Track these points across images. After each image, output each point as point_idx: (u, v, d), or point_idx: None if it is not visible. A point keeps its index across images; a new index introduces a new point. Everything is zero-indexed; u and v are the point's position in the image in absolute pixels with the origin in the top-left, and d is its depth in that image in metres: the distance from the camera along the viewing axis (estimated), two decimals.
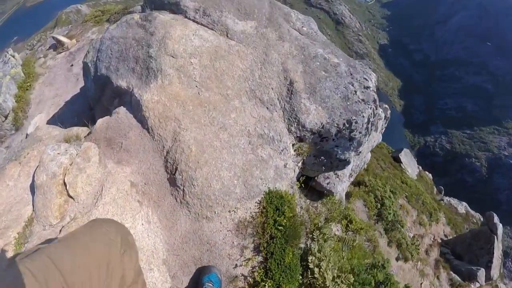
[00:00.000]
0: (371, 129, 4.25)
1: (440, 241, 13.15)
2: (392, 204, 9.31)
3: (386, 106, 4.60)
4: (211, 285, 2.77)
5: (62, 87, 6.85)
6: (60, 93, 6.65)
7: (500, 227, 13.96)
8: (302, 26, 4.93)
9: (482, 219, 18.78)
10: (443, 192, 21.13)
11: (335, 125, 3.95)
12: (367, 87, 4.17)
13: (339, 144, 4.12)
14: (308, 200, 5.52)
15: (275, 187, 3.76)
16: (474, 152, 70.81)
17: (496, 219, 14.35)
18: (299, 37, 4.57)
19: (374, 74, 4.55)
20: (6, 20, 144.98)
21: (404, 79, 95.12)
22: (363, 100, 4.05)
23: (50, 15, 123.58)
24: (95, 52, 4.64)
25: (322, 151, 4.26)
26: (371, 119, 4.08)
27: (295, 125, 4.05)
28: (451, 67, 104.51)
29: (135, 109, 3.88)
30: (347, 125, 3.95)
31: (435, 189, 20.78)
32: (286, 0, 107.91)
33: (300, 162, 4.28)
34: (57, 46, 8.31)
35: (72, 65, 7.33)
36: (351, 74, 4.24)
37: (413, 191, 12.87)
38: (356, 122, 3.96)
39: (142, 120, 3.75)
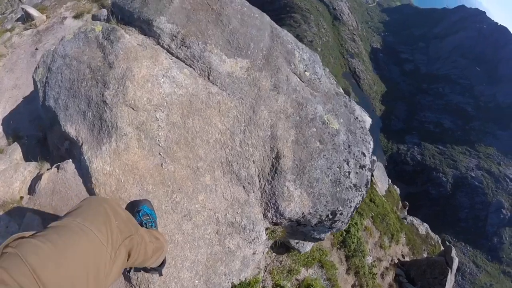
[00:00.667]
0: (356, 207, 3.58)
1: (396, 261, 13.41)
2: (357, 232, 9.21)
3: (375, 158, 3.41)
4: (147, 217, 2.46)
5: (22, 76, 6.07)
6: (19, 84, 5.94)
7: (456, 262, 14.24)
8: (305, 70, 3.98)
9: (439, 242, 19.42)
10: (407, 207, 21.73)
11: (318, 216, 3.28)
12: (363, 166, 3.57)
13: (317, 229, 3.50)
14: (274, 254, 5.08)
15: (240, 279, 3.16)
16: (443, 167, 73.14)
17: (454, 253, 14.60)
18: (298, 88, 3.69)
19: (372, 142, 3.96)
20: None
21: (389, 86, 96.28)
22: (355, 185, 3.44)
23: None
24: (45, 70, 3.64)
25: (297, 231, 3.59)
26: (357, 205, 3.49)
27: (272, 212, 3.29)
28: (439, 83, 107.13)
29: (84, 174, 3.07)
30: (330, 216, 3.32)
31: (400, 203, 21.35)
32: None
33: (271, 243, 3.60)
34: (26, 19, 7.15)
35: (36, 49, 6.46)
36: (349, 147, 3.60)
37: (380, 210, 12.95)
38: (341, 214, 3.34)
39: (91, 193, 2.99)
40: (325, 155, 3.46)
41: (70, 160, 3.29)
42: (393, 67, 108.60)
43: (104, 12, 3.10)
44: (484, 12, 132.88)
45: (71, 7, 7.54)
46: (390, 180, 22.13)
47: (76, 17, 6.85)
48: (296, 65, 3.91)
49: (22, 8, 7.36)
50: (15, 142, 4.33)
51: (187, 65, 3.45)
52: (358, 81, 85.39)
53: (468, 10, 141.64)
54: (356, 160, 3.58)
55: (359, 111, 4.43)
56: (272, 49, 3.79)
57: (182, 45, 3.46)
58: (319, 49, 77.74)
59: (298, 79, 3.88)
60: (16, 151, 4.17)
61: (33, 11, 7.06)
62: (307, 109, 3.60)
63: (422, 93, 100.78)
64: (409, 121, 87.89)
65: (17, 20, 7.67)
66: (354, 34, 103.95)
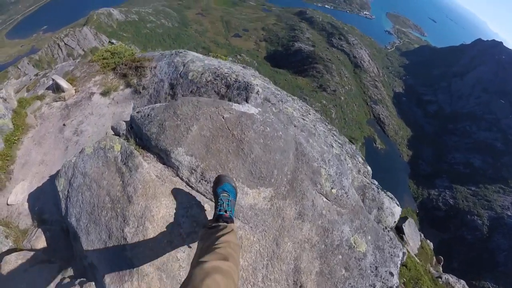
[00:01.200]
0: None
1: None
2: None
3: (405, 251, 3.88)
4: (226, 194, 2.78)
5: (50, 152, 6.12)
6: (46, 161, 5.97)
7: None
8: (332, 188, 3.84)
9: None
10: (442, 262, 22.38)
11: None
12: None
13: None
14: None
15: None
16: (477, 209, 71.04)
17: None
18: (324, 212, 3.67)
19: (402, 251, 4.00)
20: (40, 7, 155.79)
21: (415, 129, 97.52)
22: None
23: (82, 12, 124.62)
24: (66, 182, 3.85)
25: None
26: None
27: None
28: (464, 121, 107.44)
29: None
30: None
31: (434, 259, 22.12)
32: (309, 38, 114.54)
33: None
34: (56, 90, 7.43)
35: (64, 125, 6.59)
36: (376, 269, 3.66)
37: (412, 274, 12.91)
38: None
39: None
40: (350, 283, 3.48)
41: (93, 283, 3.40)
42: (416, 110, 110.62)
43: (123, 125, 4.00)
44: (501, 42, 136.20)
45: (100, 82, 7.71)
46: (422, 235, 23.14)
47: (104, 94, 6.94)
48: (322, 185, 3.83)
49: (53, 79, 7.57)
50: (39, 229, 4.29)
51: (207, 198, 3.42)
52: (383, 127, 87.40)
53: (485, 43, 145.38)
54: (383, 282, 3.60)
55: (388, 203, 4.52)
56: (297, 171, 3.75)
57: (202, 179, 3.45)
58: (342, 98, 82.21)
59: (325, 199, 3.83)
60: (40, 240, 4.15)
61: (63, 83, 7.24)
62: (333, 235, 3.61)
63: (448, 133, 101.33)
64: (438, 164, 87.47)
65: (48, 88, 7.84)
66: (376, 81, 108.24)
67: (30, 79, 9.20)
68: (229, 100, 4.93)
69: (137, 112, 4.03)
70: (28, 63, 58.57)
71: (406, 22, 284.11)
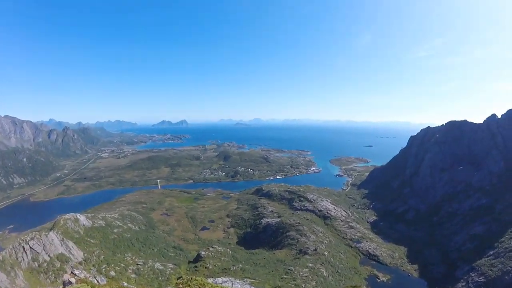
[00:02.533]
0: None
1: None
2: None
3: None
4: None
5: None
6: None
7: None
8: None
9: None
10: None
11: None
12: None
13: None
14: None
15: None
16: None
17: None
18: None
19: None
20: (9, 205, 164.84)
21: (407, 243, 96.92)
22: None
23: (50, 215, 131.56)
24: None
25: None
26: None
27: None
28: (444, 205, 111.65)
29: None
30: None
31: None
32: (273, 211, 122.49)
33: None
34: None
35: None
36: None
37: None
38: None
39: None
40: None
41: None
42: (397, 225, 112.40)
43: None
44: (428, 127, 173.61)
45: None
46: None
47: None
48: None
49: None
50: None
51: None
52: (377, 259, 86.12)
53: (417, 136, 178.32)
54: None
55: None
56: None
57: None
58: (326, 253, 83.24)
59: None
60: None
61: None
62: None
63: (438, 226, 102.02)
64: (447, 257, 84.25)
65: None
66: (349, 221, 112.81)
67: None
68: None
69: None
70: None
71: (348, 160, 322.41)
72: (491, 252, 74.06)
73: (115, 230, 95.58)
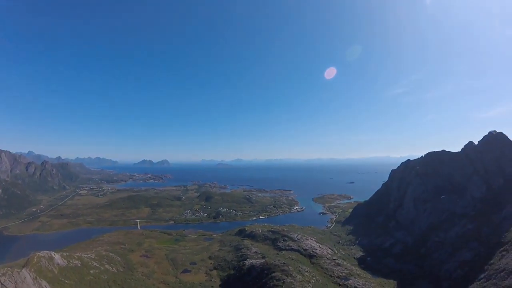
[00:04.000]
0: None
1: None
2: None
3: None
4: None
5: None
6: None
7: None
8: None
9: None
10: None
11: None
12: None
13: None
14: None
15: None
16: None
17: None
18: None
19: None
20: None
21: (397, 276, 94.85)
22: None
23: (23, 252, 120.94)
24: None
25: None
26: None
27: None
28: (431, 235, 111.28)
29: None
30: None
31: None
32: (257, 252, 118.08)
33: None
34: None
35: None
36: None
37: None
38: None
39: None
40: None
41: None
42: (386, 259, 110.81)
43: None
44: (408, 160, 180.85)
45: None
46: None
47: None
48: None
49: None
50: None
51: None
52: None
53: (397, 170, 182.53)
54: None
55: None
56: None
57: None
58: None
59: None
60: None
61: None
62: None
63: (428, 257, 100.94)
64: (439, 287, 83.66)
65: None
66: (335, 259, 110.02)
67: None
68: None
69: None
70: None
71: (331, 197, 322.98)
72: (482, 276, 73.82)
73: (91, 271, 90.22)
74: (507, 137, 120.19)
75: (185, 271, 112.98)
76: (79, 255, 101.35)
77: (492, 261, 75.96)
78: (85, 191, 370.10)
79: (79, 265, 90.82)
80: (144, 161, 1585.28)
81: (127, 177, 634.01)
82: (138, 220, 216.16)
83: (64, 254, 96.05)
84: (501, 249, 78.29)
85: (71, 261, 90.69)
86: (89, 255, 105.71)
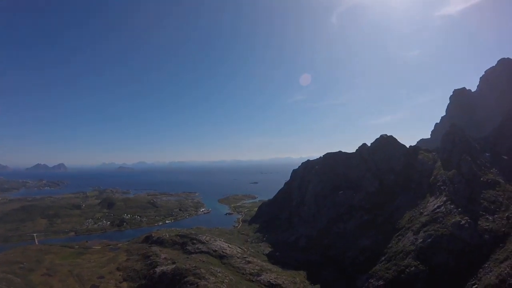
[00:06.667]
0: None
1: None
2: None
3: None
4: None
5: None
6: None
7: None
8: None
9: None
10: None
11: None
12: None
13: None
14: None
15: None
16: None
17: None
18: None
19: None
20: None
21: (305, 268, 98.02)
22: None
23: None
24: None
25: None
26: None
27: None
28: (332, 227, 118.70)
29: None
30: None
31: None
32: (167, 257, 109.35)
33: None
34: None
35: None
36: None
37: None
38: None
39: None
40: None
41: None
42: (293, 253, 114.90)
43: None
44: (308, 159, 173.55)
45: None
46: None
47: None
48: None
49: None
50: None
51: None
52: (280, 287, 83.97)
53: (298, 171, 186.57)
54: None
55: None
56: None
57: None
58: None
59: None
60: None
61: None
62: None
63: (330, 247, 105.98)
64: (344, 272, 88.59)
65: None
66: (245, 257, 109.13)
67: None
68: None
69: None
70: None
71: (236, 197, 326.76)
72: (383, 258, 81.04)
73: None
74: (396, 139, 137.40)
75: (93, 286, 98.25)
76: None
77: (390, 245, 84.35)
78: None
79: None
80: (38, 166, 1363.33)
81: (20, 184, 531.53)
82: (35, 234, 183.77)
83: None
84: (397, 234, 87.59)
85: None
86: None
